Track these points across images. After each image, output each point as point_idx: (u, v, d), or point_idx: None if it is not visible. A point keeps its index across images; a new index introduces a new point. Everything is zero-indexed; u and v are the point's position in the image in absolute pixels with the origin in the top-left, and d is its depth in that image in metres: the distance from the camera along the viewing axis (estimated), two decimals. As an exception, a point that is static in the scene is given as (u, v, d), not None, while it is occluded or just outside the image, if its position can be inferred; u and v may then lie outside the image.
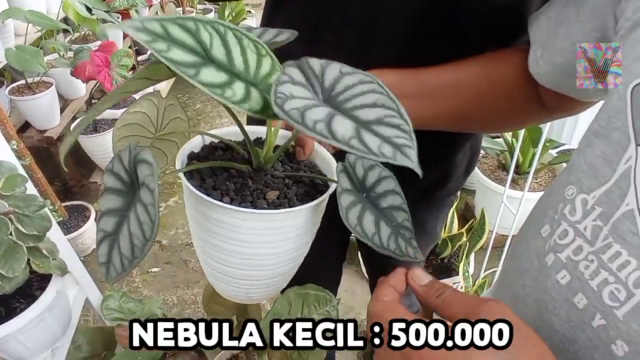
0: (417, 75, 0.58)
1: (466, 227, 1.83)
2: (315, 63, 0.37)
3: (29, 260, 0.78)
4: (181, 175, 0.44)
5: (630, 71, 0.35)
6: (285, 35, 0.45)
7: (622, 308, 0.31)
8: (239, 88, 0.35)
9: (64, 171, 2.22)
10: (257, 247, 0.44)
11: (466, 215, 2.26)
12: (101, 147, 2.07)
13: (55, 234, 0.90)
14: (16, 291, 0.79)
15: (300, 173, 0.50)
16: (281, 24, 0.69)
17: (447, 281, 1.81)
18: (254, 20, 4.04)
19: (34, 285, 0.86)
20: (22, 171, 0.84)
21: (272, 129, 0.45)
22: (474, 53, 0.58)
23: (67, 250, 0.97)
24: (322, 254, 1.02)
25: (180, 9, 3.52)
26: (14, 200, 0.71)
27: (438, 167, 0.79)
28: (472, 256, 1.85)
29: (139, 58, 2.71)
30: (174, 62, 0.32)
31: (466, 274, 1.69)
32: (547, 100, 0.56)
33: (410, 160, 0.31)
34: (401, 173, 0.75)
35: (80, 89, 2.13)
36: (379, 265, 1.08)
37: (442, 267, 1.85)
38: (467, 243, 1.74)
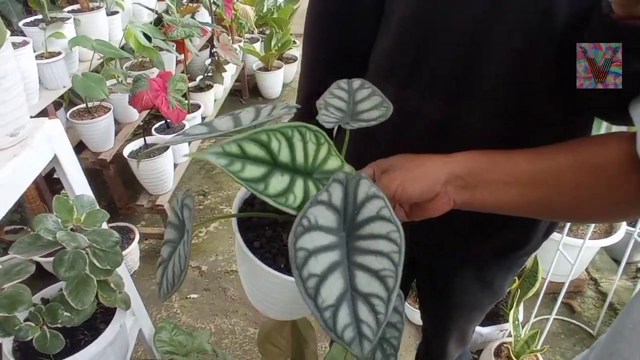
0: (510, 160, 0.55)
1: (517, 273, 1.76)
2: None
3: (97, 293, 0.78)
4: (234, 227, 0.49)
5: None
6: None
7: None
8: (298, 191, 0.38)
9: (111, 192, 2.26)
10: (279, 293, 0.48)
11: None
12: (151, 171, 2.11)
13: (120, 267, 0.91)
14: (83, 324, 0.80)
15: None
16: (377, 61, 0.69)
17: (494, 328, 1.74)
18: (298, 50, 4.12)
19: (98, 318, 0.86)
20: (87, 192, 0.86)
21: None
22: (573, 113, 0.55)
23: (128, 282, 0.97)
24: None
25: (230, 38, 3.61)
26: (92, 235, 0.72)
27: (518, 229, 0.75)
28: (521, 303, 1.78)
29: (190, 84, 2.78)
30: (246, 180, 0.35)
31: (516, 322, 1.63)
32: None
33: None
34: (475, 234, 0.72)
35: (134, 114, 2.19)
36: (437, 314, 1.04)
37: (489, 313, 1.79)
38: (519, 290, 1.68)
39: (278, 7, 4.10)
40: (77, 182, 0.80)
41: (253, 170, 0.35)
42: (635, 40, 0.44)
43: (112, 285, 0.81)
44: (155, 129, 2.32)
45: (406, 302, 1.90)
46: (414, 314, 1.88)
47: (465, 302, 0.92)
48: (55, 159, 0.76)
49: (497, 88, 0.58)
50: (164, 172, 2.16)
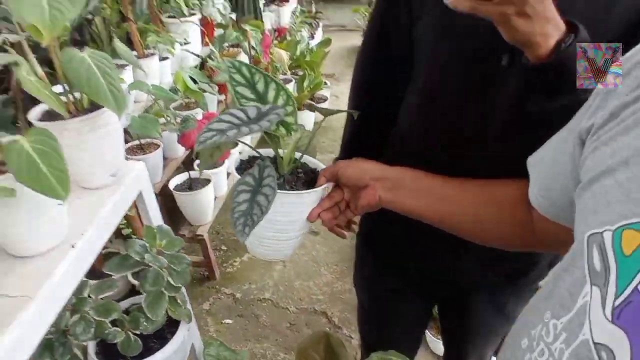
0: (430, 178, 0.73)
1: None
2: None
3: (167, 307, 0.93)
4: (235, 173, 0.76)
5: (587, 222, 0.41)
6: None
7: None
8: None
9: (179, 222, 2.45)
10: (281, 215, 0.71)
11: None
12: (194, 203, 2.29)
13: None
14: (153, 333, 0.95)
15: (301, 175, 0.79)
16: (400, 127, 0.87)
17: None
18: (329, 91, 4.34)
19: (165, 329, 1.01)
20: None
21: (289, 149, 0.75)
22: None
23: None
24: (403, 320, 1.13)
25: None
26: (170, 258, 0.88)
27: (520, 257, 0.89)
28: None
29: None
30: (238, 94, 0.71)
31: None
32: (540, 228, 0.62)
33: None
34: (484, 255, 0.86)
35: (179, 150, 2.39)
36: (456, 340, 1.16)
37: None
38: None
39: (310, 50, 4.36)
40: (155, 215, 0.97)
41: (242, 89, 0.72)
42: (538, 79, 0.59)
43: (179, 300, 0.97)
44: (197, 165, 2.52)
45: (428, 333, 2.00)
46: (436, 344, 1.97)
47: (482, 327, 1.04)
48: (140, 195, 0.93)
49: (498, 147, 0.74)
50: (205, 204, 2.34)
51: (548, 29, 0.56)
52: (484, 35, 0.65)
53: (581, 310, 0.39)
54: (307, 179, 0.78)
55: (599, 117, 0.43)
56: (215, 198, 2.51)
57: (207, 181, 2.37)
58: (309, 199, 0.73)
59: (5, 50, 0.76)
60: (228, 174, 2.68)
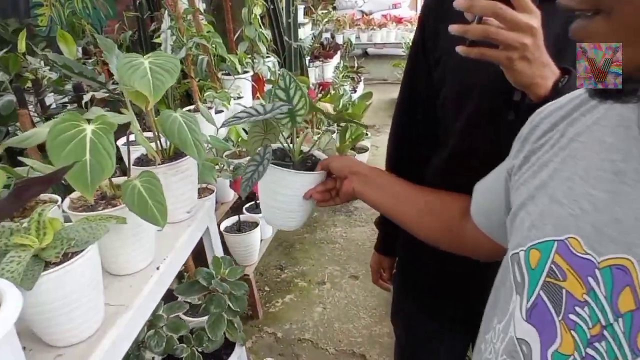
0: (394, 180, 0.88)
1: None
2: None
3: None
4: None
5: (511, 245, 0.52)
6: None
7: None
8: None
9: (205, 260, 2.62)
10: (281, 188, 0.88)
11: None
12: (241, 244, 2.45)
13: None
14: (211, 354, 1.09)
15: (309, 164, 0.95)
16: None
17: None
18: (370, 141, 4.52)
19: (222, 350, 1.14)
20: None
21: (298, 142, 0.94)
22: None
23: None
24: (439, 359, 1.20)
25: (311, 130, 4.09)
26: (231, 284, 1.02)
27: None
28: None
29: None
30: (276, 95, 0.90)
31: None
32: (472, 237, 0.74)
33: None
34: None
35: (230, 195, 2.58)
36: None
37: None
38: None
39: (352, 103, 4.58)
40: (217, 246, 1.13)
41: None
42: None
43: (235, 325, 1.10)
44: (246, 208, 2.70)
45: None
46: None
47: None
48: (207, 229, 1.09)
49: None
50: (252, 246, 2.49)
51: (546, 72, 0.69)
52: (492, 92, 0.79)
53: (511, 314, 0.50)
54: (311, 167, 0.95)
55: (519, 159, 0.57)
56: (261, 240, 2.66)
57: (255, 224, 2.54)
58: (301, 179, 0.90)
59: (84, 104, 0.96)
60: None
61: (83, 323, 0.69)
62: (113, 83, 1.39)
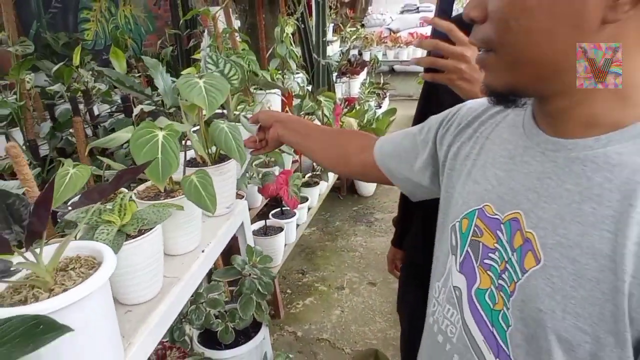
0: (305, 123, 1.08)
1: None
2: None
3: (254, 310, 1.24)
4: None
5: (449, 217, 0.68)
6: None
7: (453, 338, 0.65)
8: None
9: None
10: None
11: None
12: (267, 247, 2.64)
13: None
14: (241, 331, 1.26)
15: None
16: None
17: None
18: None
19: (250, 329, 1.32)
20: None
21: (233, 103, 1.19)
22: None
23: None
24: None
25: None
26: (261, 270, 1.20)
27: None
28: None
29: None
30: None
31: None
32: (368, 166, 0.91)
33: None
34: None
35: (259, 200, 2.78)
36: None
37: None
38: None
39: (377, 118, 4.76)
40: (250, 238, 1.31)
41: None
42: None
43: (262, 307, 1.28)
44: (272, 214, 2.89)
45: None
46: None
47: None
48: (242, 224, 1.28)
49: None
50: (276, 249, 2.68)
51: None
52: None
53: (449, 270, 0.67)
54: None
55: (443, 151, 0.74)
56: (285, 245, 2.84)
57: (280, 229, 2.73)
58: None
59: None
60: (297, 225, 3.02)
61: (148, 287, 0.88)
62: (157, 95, 1.60)
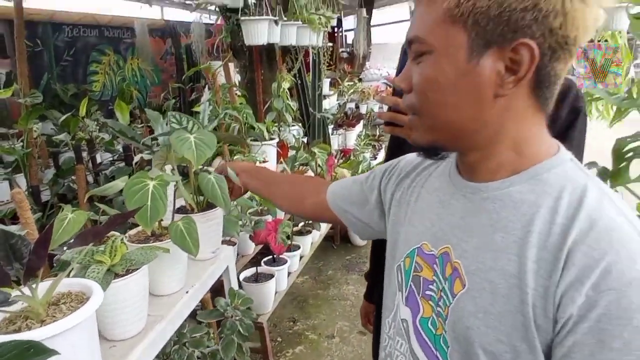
0: (267, 171, 1.20)
1: None
2: None
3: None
4: None
5: (395, 258, 0.77)
6: None
7: None
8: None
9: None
10: None
11: None
12: (258, 294, 2.68)
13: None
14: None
15: None
16: None
17: None
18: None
19: (231, 371, 1.36)
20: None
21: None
22: None
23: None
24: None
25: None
26: (243, 312, 1.27)
27: None
28: None
29: (295, 229, 3.45)
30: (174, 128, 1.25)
31: None
32: (321, 208, 0.98)
33: None
34: None
35: (250, 248, 2.85)
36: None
37: None
38: None
39: (371, 169, 4.88)
40: (234, 282, 1.39)
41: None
42: None
43: (244, 349, 1.33)
44: (264, 262, 2.96)
45: None
46: None
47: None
48: (227, 268, 1.36)
49: None
50: (267, 295, 2.72)
51: None
52: None
53: (397, 306, 0.75)
54: None
55: (388, 195, 0.83)
56: (276, 292, 2.89)
57: (271, 276, 2.78)
58: None
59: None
60: (289, 273, 3.07)
61: (132, 323, 0.95)
62: (157, 146, 1.72)
